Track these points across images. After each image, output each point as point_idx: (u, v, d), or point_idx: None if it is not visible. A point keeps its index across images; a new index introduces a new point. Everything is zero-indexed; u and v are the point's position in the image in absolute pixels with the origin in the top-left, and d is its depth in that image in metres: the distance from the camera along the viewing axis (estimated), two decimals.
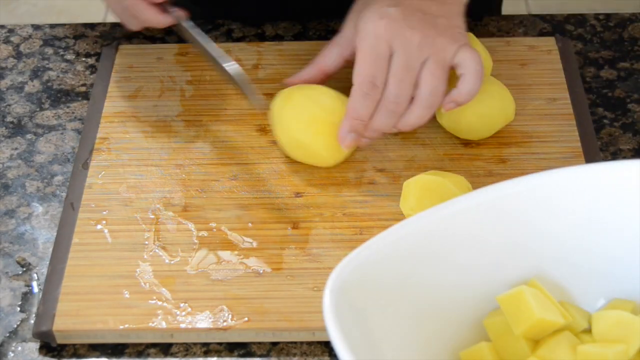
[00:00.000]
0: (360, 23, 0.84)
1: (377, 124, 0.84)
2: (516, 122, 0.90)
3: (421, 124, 0.84)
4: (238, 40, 1.02)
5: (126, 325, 0.77)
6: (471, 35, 0.93)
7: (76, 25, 1.04)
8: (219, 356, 0.78)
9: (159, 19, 0.89)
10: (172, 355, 0.78)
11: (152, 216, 0.85)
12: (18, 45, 1.02)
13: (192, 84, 0.96)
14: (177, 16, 0.89)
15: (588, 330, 0.71)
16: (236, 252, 0.82)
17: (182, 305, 0.78)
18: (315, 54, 0.91)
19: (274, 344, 0.78)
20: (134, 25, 0.92)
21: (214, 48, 0.87)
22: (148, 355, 0.78)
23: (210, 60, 0.88)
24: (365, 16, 0.84)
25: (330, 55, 0.90)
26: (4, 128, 0.94)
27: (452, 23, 0.85)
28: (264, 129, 0.91)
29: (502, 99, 0.88)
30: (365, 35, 0.83)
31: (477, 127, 0.88)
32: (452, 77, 0.85)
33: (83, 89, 0.98)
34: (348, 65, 0.87)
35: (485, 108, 0.87)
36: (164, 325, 0.77)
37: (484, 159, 0.88)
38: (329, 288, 0.64)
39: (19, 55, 1.01)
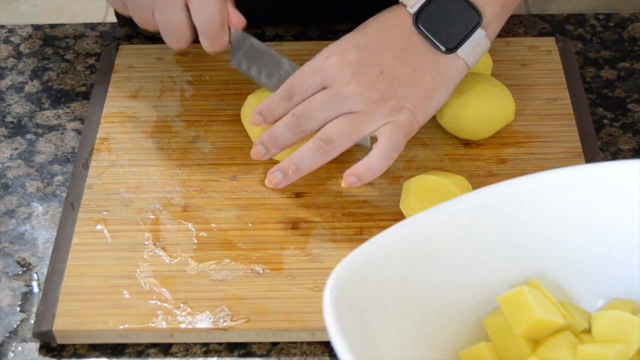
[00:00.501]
0: (325, 49, 0.84)
1: (275, 131, 0.84)
2: (516, 122, 0.90)
3: (308, 168, 0.83)
4: None
5: (126, 326, 0.77)
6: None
7: (76, 25, 1.04)
8: (219, 356, 0.78)
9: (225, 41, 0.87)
10: (172, 355, 0.78)
11: (152, 216, 0.85)
12: (18, 45, 1.02)
13: (192, 84, 0.96)
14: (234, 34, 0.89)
15: (588, 331, 0.71)
16: (236, 252, 0.82)
17: (182, 305, 0.78)
18: (316, 53, 0.91)
19: (274, 344, 0.78)
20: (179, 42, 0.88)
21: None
22: (148, 355, 0.78)
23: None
24: (333, 43, 0.84)
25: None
26: (4, 128, 0.94)
27: (406, 94, 0.81)
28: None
29: (503, 99, 0.88)
30: (316, 57, 0.84)
31: (477, 128, 0.88)
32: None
33: (83, 89, 0.98)
34: None
35: (486, 108, 0.87)
36: (164, 325, 0.77)
37: (484, 159, 0.88)
38: (329, 288, 0.64)
39: (19, 55, 1.01)
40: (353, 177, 0.81)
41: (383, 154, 0.81)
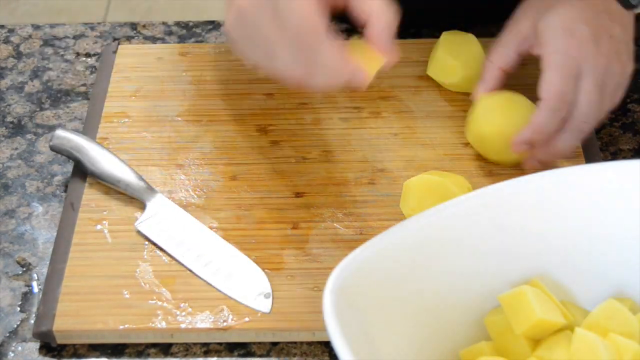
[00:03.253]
0: (547, 32, 0.84)
1: (561, 143, 0.83)
2: None
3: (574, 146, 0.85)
4: None
5: (126, 326, 0.77)
6: (471, 36, 0.93)
7: (76, 25, 1.04)
8: (219, 356, 0.78)
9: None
10: (172, 355, 0.78)
11: None
12: (18, 45, 1.02)
13: (192, 84, 0.96)
14: None
15: None
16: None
17: (182, 305, 0.78)
18: None
19: (274, 344, 0.78)
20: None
21: None
22: (148, 355, 0.78)
23: None
24: (553, 26, 0.84)
25: (506, 53, 0.88)
26: (4, 128, 0.94)
27: (626, 49, 0.85)
28: (264, 129, 0.91)
29: None
30: (556, 50, 0.82)
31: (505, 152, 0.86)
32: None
33: (83, 89, 0.98)
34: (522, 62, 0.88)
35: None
36: (164, 325, 0.77)
37: (484, 159, 0.88)
38: (329, 288, 0.64)
39: (19, 55, 1.01)
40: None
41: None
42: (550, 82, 0.82)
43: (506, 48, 0.88)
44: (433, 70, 0.94)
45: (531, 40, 0.85)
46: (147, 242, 0.83)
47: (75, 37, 1.03)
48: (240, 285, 0.79)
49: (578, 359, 0.66)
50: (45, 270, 0.83)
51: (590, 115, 0.82)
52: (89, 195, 0.86)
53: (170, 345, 0.78)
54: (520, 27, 0.87)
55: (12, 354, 0.78)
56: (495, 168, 0.87)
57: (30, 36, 1.03)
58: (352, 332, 0.62)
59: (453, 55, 0.92)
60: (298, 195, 0.86)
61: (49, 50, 1.02)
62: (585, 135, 0.83)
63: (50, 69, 1.00)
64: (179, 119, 0.93)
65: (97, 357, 0.78)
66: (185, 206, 0.85)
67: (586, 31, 0.83)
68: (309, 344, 0.78)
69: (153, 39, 1.02)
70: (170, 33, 1.02)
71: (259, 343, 0.78)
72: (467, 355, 0.70)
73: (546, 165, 0.83)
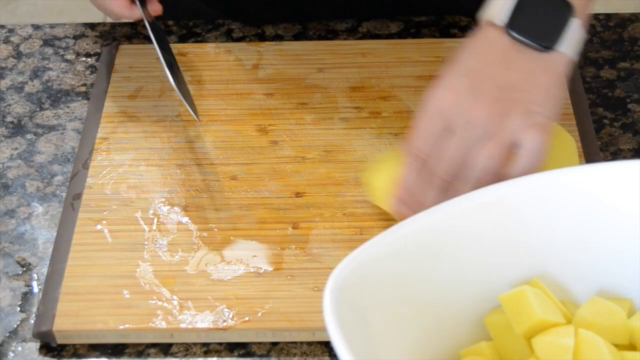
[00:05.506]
0: (428, 93, 0.79)
1: (428, 200, 0.78)
2: None
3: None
4: (238, 40, 1.02)
5: (126, 326, 0.77)
6: (558, 126, 0.85)
7: (76, 25, 1.04)
8: (219, 356, 0.78)
9: (124, 12, 0.92)
10: (172, 355, 0.78)
11: (152, 216, 0.85)
12: (18, 45, 1.02)
13: (192, 84, 0.96)
14: (144, 14, 0.91)
15: None
16: (236, 252, 0.82)
17: (182, 305, 0.78)
18: (316, 53, 0.91)
19: (274, 344, 0.78)
20: (111, 17, 0.94)
21: (165, 55, 0.90)
22: (148, 355, 0.78)
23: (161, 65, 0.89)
24: (434, 86, 0.79)
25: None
26: (4, 128, 0.94)
27: (529, 98, 0.77)
28: (264, 129, 0.91)
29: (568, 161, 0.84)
30: (426, 107, 0.78)
31: None
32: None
33: (83, 89, 0.98)
34: None
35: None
36: (164, 325, 0.77)
37: None
38: (329, 288, 0.64)
39: (19, 55, 1.01)
40: None
41: (531, 158, 0.76)
42: (413, 141, 0.78)
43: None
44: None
45: None
46: (147, 242, 0.83)
47: (75, 37, 1.03)
48: None
49: None
50: (45, 270, 0.83)
51: (452, 174, 0.77)
52: (89, 195, 0.86)
53: (170, 345, 0.78)
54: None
55: (12, 354, 0.78)
56: None
57: (30, 36, 1.03)
58: (352, 332, 0.62)
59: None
60: (298, 195, 0.86)
61: (49, 50, 1.02)
62: (458, 194, 0.75)
63: (50, 69, 1.00)
64: (179, 119, 0.93)
65: (97, 357, 0.78)
66: (186, 206, 0.85)
67: (463, 83, 0.77)
68: (309, 344, 0.78)
69: None
70: (169, 33, 1.02)
71: (259, 343, 0.78)
72: (467, 355, 0.70)
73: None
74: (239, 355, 0.78)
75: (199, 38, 1.02)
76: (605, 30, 1.02)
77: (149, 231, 0.84)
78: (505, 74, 0.78)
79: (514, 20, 0.78)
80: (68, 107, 0.96)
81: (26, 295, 0.82)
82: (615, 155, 0.90)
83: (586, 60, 0.99)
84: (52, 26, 1.04)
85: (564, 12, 0.78)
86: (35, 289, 0.82)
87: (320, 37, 1.02)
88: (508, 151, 0.76)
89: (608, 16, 1.03)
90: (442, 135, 0.77)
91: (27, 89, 0.98)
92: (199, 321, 0.77)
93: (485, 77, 0.78)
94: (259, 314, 0.78)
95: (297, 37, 1.02)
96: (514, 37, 0.78)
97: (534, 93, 0.78)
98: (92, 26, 1.04)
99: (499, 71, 0.78)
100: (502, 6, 0.78)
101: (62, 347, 0.78)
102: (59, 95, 0.97)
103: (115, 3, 0.92)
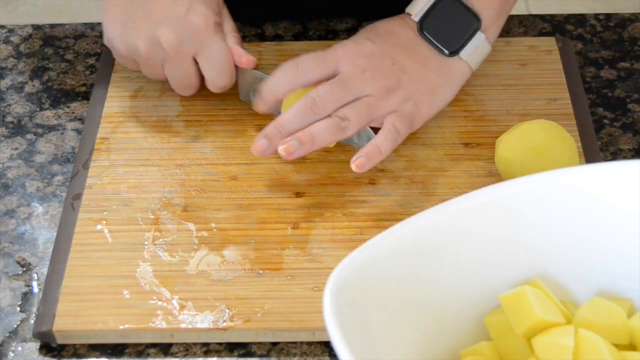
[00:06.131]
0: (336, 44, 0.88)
1: (283, 120, 0.84)
2: (516, 123, 0.90)
3: (325, 142, 0.84)
4: None
5: (126, 326, 0.77)
6: (558, 126, 0.85)
7: (76, 25, 1.04)
8: (219, 356, 0.78)
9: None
10: (172, 355, 0.78)
11: (152, 216, 0.85)
12: (18, 45, 1.02)
13: None
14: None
15: None
16: (236, 252, 0.82)
17: (182, 305, 0.78)
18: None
19: (274, 344, 0.78)
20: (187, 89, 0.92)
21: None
22: (148, 355, 0.78)
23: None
24: (345, 40, 0.88)
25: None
26: (4, 128, 0.94)
27: (414, 88, 0.86)
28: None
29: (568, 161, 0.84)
30: (328, 49, 0.86)
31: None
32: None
33: (83, 89, 0.98)
34: None
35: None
36: (164, 325, 0.77)
37: (484, 159, 0.88)
38: (329, 288, 0.64)
39: (19, 55, 1.01)
40: (362, 157, 0.83)
41: (389, 137, 0.84)
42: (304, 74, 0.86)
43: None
44: None
45: None
46: (147, 242, 0.83)
47: (75, 37, 1.03)
48: None
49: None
50: (45, 270, 0.83)
51: (326, 103, 0.83)
52: (89, 195, 0.86)
53: (170, 345, 0.78)
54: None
55: (12, 354, 0.78)
56: (495, 168, 0.87)
57: (30, 36, 1.03)
58: (352, 332, 0.62)
59: None
60: (298, 195, 0.86)
61: (49, 50, 1.02)
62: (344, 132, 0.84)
63: (50, 69, 1.00)
64: (179, 119, 0.93)
65: (97, 357, 0.78)
66: (186, 206, 0.85)
67: (368, 44, 0.87)
68: (309, 344, 0.78)
69: None
70: None
71: (259, 343, 0.78)
72: (467, 355, 0.70)
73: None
74: (239, 355, 0.78)
75: None
76: (605, 30, 1.02)
77: (149, 231, 0.84)
78: (405, 58, 0.87)
79: (427, 20, 0.88)
80: (68, 107, 0.96)
81: (26, 295, 0.82)
82: (615, 155, 0.90)
83: (586, 60, 0.99)
84: (52, 26, 1.04)
85: (472, 24, 0.88)
86: (35, 289, 0.82)
87: (320, 37, 1.02)
88: (369, 123, 0.85)
89: (608, 16, 1.03)
90: (329, 73, 0.85)
91: (27, 89, 0.98)
92: (199, 321, 0.77)
93: (387, 51, 0.87)
94: (259, 314, 0.78)
95: (297, 37, 1.02)
96: (422, 35, 0.88)
97: (420, 86, 0.86)
98: (92, 26, 1.04)
99: (401, 53, 0.87)
100: (422, 6, 0.88)
101: (62, 347, 0.78)
102: (59, 95, 0.97)
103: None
